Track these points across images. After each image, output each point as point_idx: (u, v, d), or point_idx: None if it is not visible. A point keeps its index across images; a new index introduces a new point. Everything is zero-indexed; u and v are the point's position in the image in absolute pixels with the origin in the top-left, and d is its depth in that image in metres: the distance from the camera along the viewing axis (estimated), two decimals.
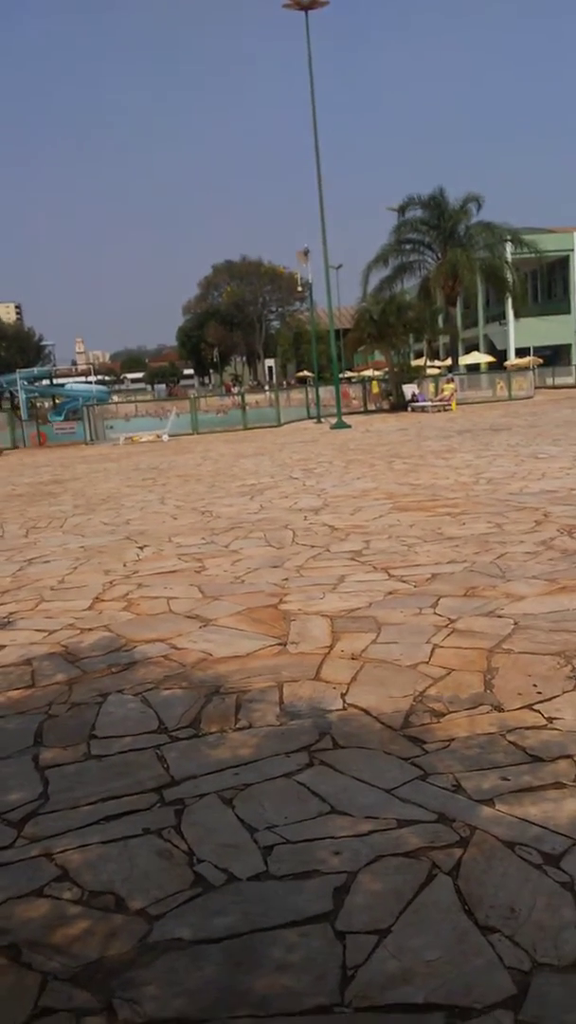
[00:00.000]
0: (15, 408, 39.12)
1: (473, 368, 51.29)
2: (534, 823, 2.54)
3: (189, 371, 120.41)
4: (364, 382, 41.79)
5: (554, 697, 3.49)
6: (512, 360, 53.69)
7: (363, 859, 2.43)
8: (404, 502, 9.19)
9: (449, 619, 4.68)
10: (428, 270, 44.02)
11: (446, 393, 34.45)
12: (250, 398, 36.35)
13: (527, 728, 3.21)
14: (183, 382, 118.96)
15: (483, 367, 52.26)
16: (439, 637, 4.38)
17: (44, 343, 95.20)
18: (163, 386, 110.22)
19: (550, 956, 1.98)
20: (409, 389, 35.32)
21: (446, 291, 42.33)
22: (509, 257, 44.02)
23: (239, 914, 2.22)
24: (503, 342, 59.01)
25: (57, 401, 39.51)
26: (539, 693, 3.54)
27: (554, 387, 47.35)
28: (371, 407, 37.78)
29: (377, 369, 49.61)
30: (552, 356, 57.34)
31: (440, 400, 33.91)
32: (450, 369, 44.36)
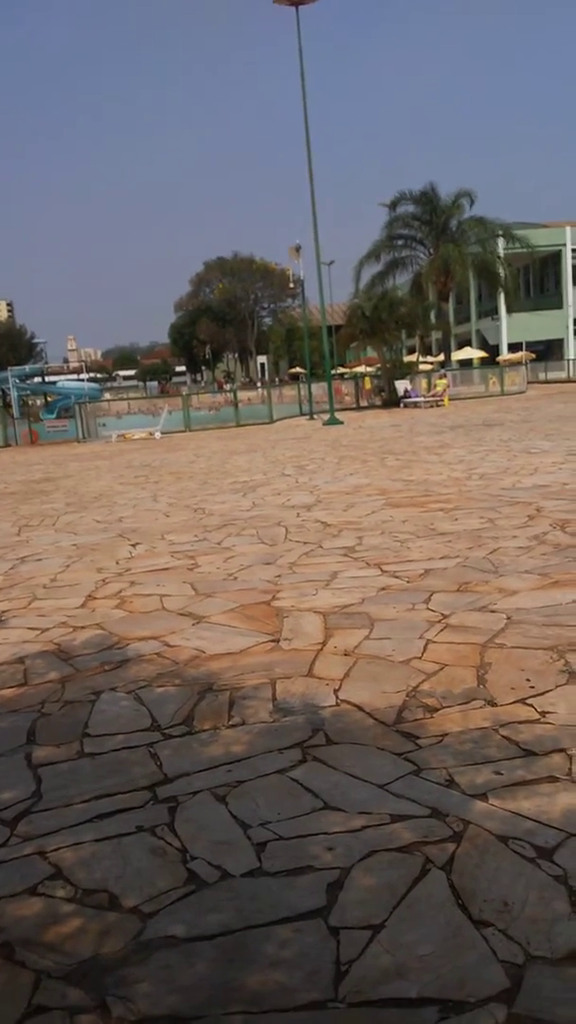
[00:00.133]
0: (7, 406, 39.09)
1: (465, 363, 51.34)
2: (527, 817, 2.54)
3: (181, 368, 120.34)
4: (356, 378, 41.80)
5: (547, 691, 3.49)
6: (504, 355, 53.81)
7: (356, 855, 2.43)
8: (397, 498, 9.19)
9: (442, 614, 4.68)
10: (420, 266, 44.14)
11: (439, 389, 34.48)
12: (242, 395, 36.36)
13: (520, 722, 3.21)
14: (175, 379, 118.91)
15: (475, 362, 52.35)
16: (432, 632, 4.38)
17: (36, 341, 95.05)
18: (155, 383, 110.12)
19: (543, 949, 1.99)
20: (402, 385, 35.34)
21: (438, 287, 42.43)
22: (501, 252, 44.10)
23: (232, 911, 2.22)
24: (495, 337, 59.11)
25: (49, 399, 39.47)
26: (532, 687, 3.54)
27: (547, 382, 47.47)
28: (364, 403, 37.81)
29: (369, 365, 49.63)
30: (544, 351, 57.47)
31: (433, 396, 33.94)
32: (442, 365, 44.47)
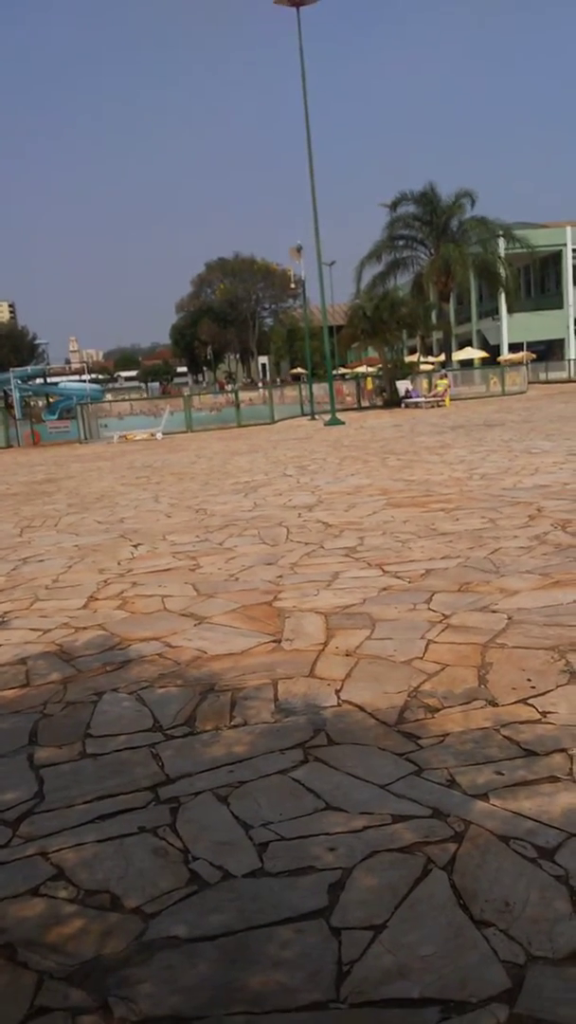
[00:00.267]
0: (9, 407, 39.08)
1: (466, 364, 51.34)
2: (528, 817, 2.55)
3: (183, 369, 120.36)
4: (358, 379, 41.82)
5: (548, 691, 3.49)
6: (505, 355, 53.79)
7: (358, 855, 2.43)
8: (398, 498, 9.19)
9: (443, 614, 4.68)
10: (421, 266, 44.14)
11: (440, 389, 34.47)
12: (244, 395, 36.33)
13: (521, 722, 3.21)
14: (177, 380, 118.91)
15: (476, 363, 52.35)
16: (433, 633, 4.38)
17: (38, 342, 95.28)
18: (157, 384, 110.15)
19: (545, 949, 1.99)
20: (403, 385, 35.34)
21: (439, 287, 42.42)
22: (502, 252, 44.08)
23: (234, 911, 2.23)
24: (496, 337, 59.10)
25: (51, 400, 39.46)
26: (533, 688, 3.54)
27: (547, 382, 47.45)
28: (365, 403, 37.82)
29: (371, 366, 49.65)
30: (545, 351, 57.47)
31: (434, 396, 33.94)
32: (443, 365, 44.46)
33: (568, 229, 58.26)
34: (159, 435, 27.35)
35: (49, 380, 45.40)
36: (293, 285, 47.55)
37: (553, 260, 59.64)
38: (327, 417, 27.46)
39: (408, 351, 51.05)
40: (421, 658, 4.01)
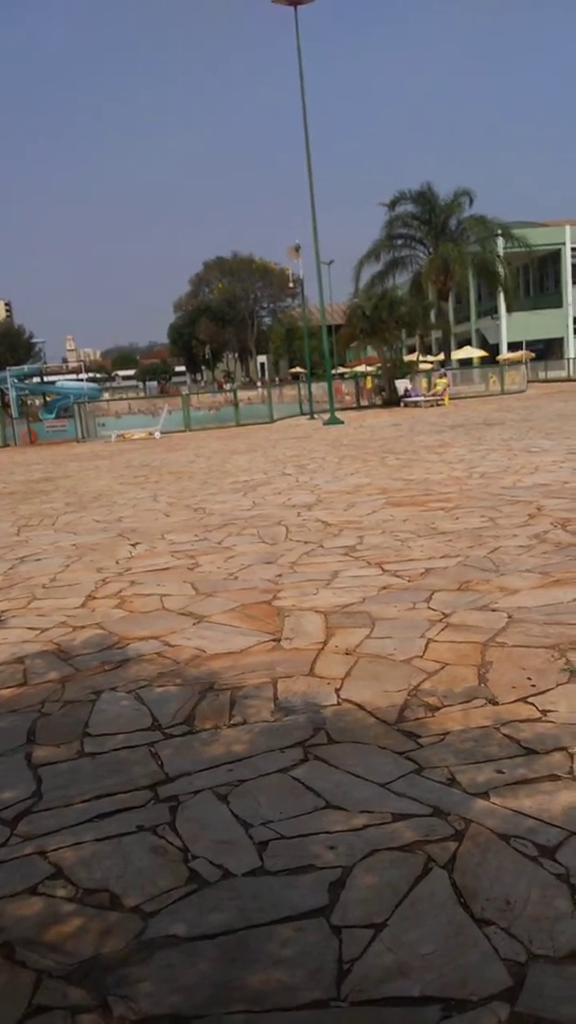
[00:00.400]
0: (6, 406, 39.08)
1: (465, 363, 51.37)
2: (529, 815, 2.54)
3: (181, 368, 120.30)
4: (357, 378, 41.82)
5: (548, 690, 3.49)
6: (504, 354, 53.83)
7: (358, 853, 2.42)
8: (397, 497, 9.19)
9: (443, 613, 4.67)
10: (420, 265, 44.15)
11: (439, 388, 34.48)
12: (242, 395, 36.34)
13: (521, 721, 3.21)
14: (175, 379, 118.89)
15: (475, 362, 52.38)
16: (433, 631, 4.37)
17: (34, 341, 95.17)
18: (155, 383, 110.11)
19: (546, 947, 1.98)
20: (402, 384, 35.34)
21: (438, 286, 42.42)
22: (501, 251, 44.09)
23: (234, 910, 2.22)
24: (495, 336, 59.14)
25: (48, 399, 39.44)
26: (533, 686, 3.54)
27: (547, 381, 47.51)
28: (364, 403, 37.82)
29: (369, 365, 49.64)
30: (544, 350, 57.53)
31: (433, 395, 33.94)
32: (442, 364, 44.47)
33: (567, 228, 58.33)
34: (157, 434, 27.34)
35: (46, 379, 45.36)
36: (291, 284, 47.52)
37: (552, 259, 59.68)
38: (326, 416, 27.46)
39: (407, 350, 51.08)
40: (421, 657, 4.01)
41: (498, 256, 43.42)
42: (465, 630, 4.35)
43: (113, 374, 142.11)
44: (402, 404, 33.80)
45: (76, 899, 2.32)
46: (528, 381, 41.04)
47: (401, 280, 45.60)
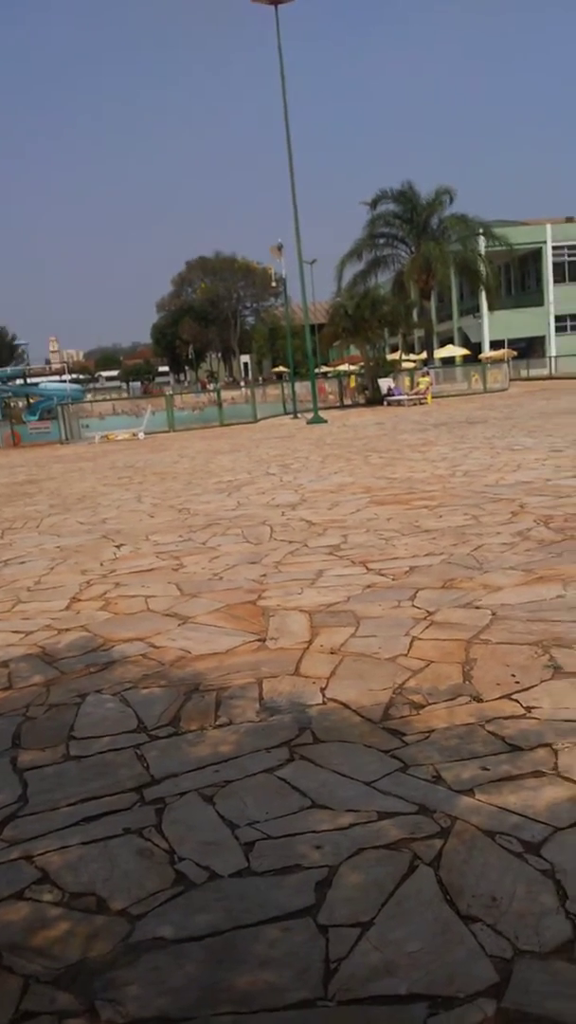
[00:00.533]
0: None
1: (448, 361, 51.52)
2: (514, 812, 2.55)
3: (164, 368, 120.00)
4: (340, 377, 41.85)
5: (532, 687, 3.50)
6: (487, 353, 53.98)
7: (344, 852, 2.43)
8: (381, 496, 9.20)
9: (427, 611, 4.69)
10: (402, 264, 44.18)
11: (421, 387, 34.54)
12: (226, 395, 36.31)
13: (506, 718, 3.22)
14: (158, 379, 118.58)
15: (458, 360, 52.50)
16: (418, 629, 4.39)
17: (17, 342, 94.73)
18: (138, 384, 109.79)
19: (532, 943, 1.99)
20: (385, 383, 35.37)
21: (420, 285, 42.50)
22: (483, 250, 44.22)
23: (221, 911, 2.22)
24: (477, 335, 59.29)
25: (31, 401, 39.27)
26: (517, 683, 3.56)
27: (528, 379, 47.63)
28: (347, 402, 37.83)
29: (353, 364, 49.69)
30: (526, 348, 57.69)
31: (416, 394, 33.98)
32: (425, 363, 44.53)
33: (548, 226, 58.56)
34: (141, 435, 27.27)
35: (29, 381, 45.21)
36: (274, 284, 47.52)
37: (533, 257, 59.91)
38: (309, 415, 27.48)
39: (390, 349, 51.17)
40: (406, 655, 4.02)
41: (480, 255, 43.51)
42: (449, 628, 4.37)
43: (96, 375, 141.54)
44: (385, 403, 33.84)
45: (63, 903, 2.32)
46: (510, 379, 41.15)
47: (383, 279, 45.65)
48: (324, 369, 53.89)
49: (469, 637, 4.19)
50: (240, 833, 2.59)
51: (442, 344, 57.10)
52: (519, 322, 58.75)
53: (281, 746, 3.17)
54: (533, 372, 50.29)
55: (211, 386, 63.86)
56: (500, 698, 3.42)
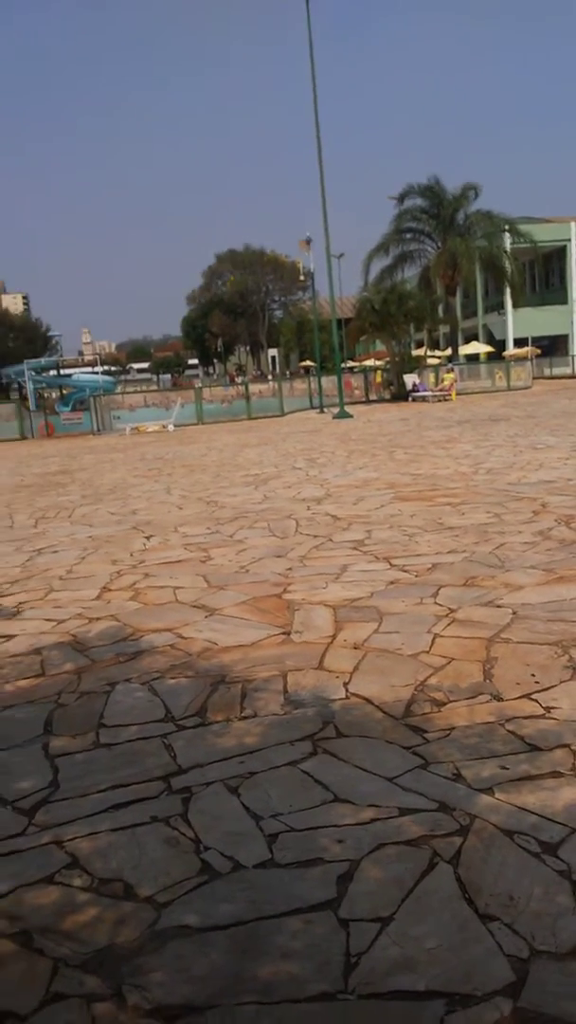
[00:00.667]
0: (23, 399, 39.18)
1: (472, 358, 51.24)
2: (532, 812, 2.58)
3: (194, 361, 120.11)
4: (366, 372, 41.75)
5: (552, 687, 3.53)
6: (510, 350, 53.62)
7: (365, 847, 2.47)
8: (405, 492, 9.22)
9: (449, 609, 4.72)
10: (428, 259, 43.99)
11: (446, 383, 34.44)
12: (254, 388, 36.29)
13: (525, 717, 3.25)
14: (188, 372, 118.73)
15: (482, 357, 52.22)
16: (440, 627, 4.42)
17: (51, 334, 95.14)
18: (168, 376, 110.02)
19: (548, 943, 2.03)
20: (410, 379, 35.28)
21: (445, 280, 42.28)
22: (508, 247, 43.90)
23: (245, 901, 2.27)
24: (502, 332, 58.88)
25: (64, 392, 39.49)
26: (537, 683, 3.58)
27: (552, 377, 47.36)
28: (373, 397, 37.76)
29: (378, 359, 49.53)
30: (549, 346, 57.28)
31: (440, 390, 33.89)
32: (450, 359, 44.33)
33: (573, 224, 57.96)
34: (171, 427, 27.42)
35: (62, 372, 45.41)
36: (302, 277, 47.38)
37: (558, 255, 59.38)
38: (336, 410, 27.47)
39: (415, 345, 50.93)
40: (428, 652, 4.05)
41: (505, 251, 43.23)
42: (471, 626, 4.39)
43: (128, 367, 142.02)
44: (410, 399, 33.76)
45: (92, 888, 2.38)
46: (533, 377, 40.92)
47: (410, 274, 45.48)
48: (351, 364, 53.71)
49: (490, 635, 4.21)
50: (264, 824, 2.64)
51: (467, 341, 56.76)
52: (543, 320, 58.28)
53: (305, 739, 3.21)
54: (556, 370, 49.96)
55: (239, 379, 63.89)
56: (520, 697, 3.44)
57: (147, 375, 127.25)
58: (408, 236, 44.42)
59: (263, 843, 2.54)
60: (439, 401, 32.21)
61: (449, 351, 47.18)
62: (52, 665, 4.32)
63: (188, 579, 5.94)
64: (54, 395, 40.45)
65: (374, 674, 3.83)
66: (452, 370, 36.60)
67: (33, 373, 39.36)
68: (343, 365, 37.63)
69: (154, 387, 78.33)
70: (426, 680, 3.70)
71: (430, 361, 42.33)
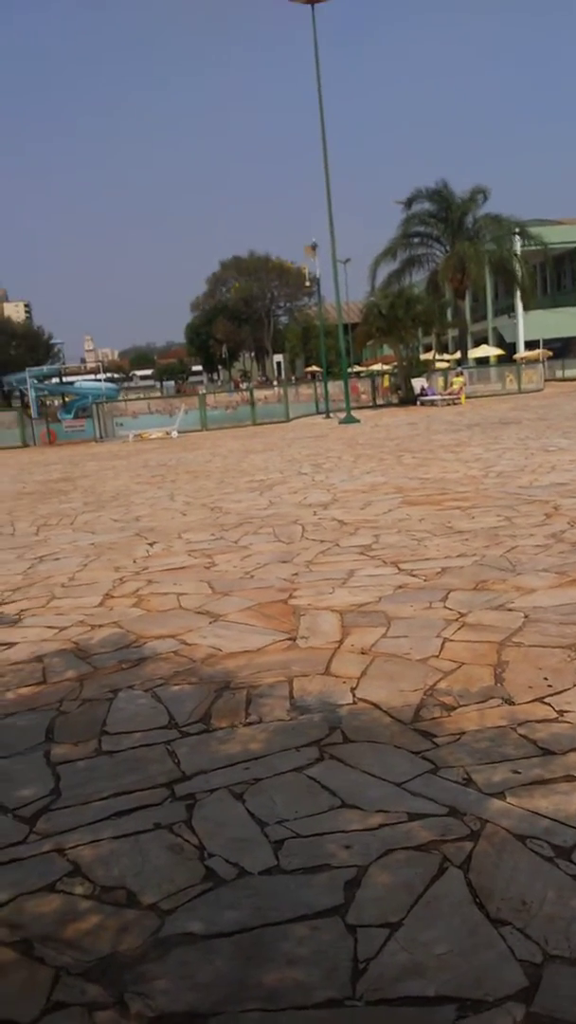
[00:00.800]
0: (25, 406, 39.26)
1: (482, 361, 51.23)
2: (545, 816, 2.54)
3: (198, 367, 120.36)
4: (373, 376, 41.76)
5: (565, 690, 3.48)
6: (521, 353, 53.60)
7: (373, 853, 2.43)
8: (413, 496, 9.18)
9: (459, 613, 4.67)
10: (436, 263, 43.98)
11: (455, 387, 34.40)
12: (259, 394, 36.32)
13: (537, 721, 3.20)
14: (192, 379, 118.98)
15: (492, 360, 52.23)
16: (449, 631, 4.37)
17: (53, 341, 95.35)
18: (172, 383, 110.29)
19: (561, 948, 1.98)
20: (418, 383, 35.26)
21: (454, 284, 42.25)
22: (518, 249, 43.88)
23: (250, 908, 2.23)
24: (512, 335, 58.89)
25: (67, 399, 39.58)
26: (549, 686, 3.53)
27: (564, 379, 47.26)
28: (380, 401, 37.75)
29: (386, 364, 49.55)
30: (562, 348, 57.21)
31: (449, 394, 33.85)
32: (459, 363, 44.32)
33: None
34: (174, 434, 27.40)
35: (65, 379, 45.54)
36: (308, 283, 47.51)
37: (569, 257, 59.40)
38: (342, 415, 27.45)
39: (423, 349, 50.91)
40: (437, 656, 4.01)
41: (515, 254, 43.20)
42: (481, 629, 4.35)
43: (131, 374, 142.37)
44: (418, 403, 33.73)
45: (94, 896, 2.34)
46: (545, 380, 40.86)
47: (417, 278, 45.46)
48: (357, 369, 53.76)
49: (501, 639, 4.17)
50: (270, 831, 2.60)
51: (476, 344, 56.74)
52: (555, 322, 58.23)
53: (311, 745, 3.17)
54: (568, 373, 49.89)
55: (244, 385, 63.98)
56: (532, 701, 3.40)
57: (150, 382, 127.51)
58: (416, 240, 44.44)
59: (268, 849, 2.49)
60: (448, 405, 32.16)
61: (458, 355, 47.18)
62: (54, 672, 4.29)
63: (192, 585, 5.90)
64: (56, 403, 40.53)
65: (382, 679, 3.79)
66: (461, 374, 36.56)
67: (35, 381, 39.44)
68: (350, 370, 37.61)
69: (157, 394, 78.43)
70: (435, 685, 3.66)
71: (439, 365, 42.28)
